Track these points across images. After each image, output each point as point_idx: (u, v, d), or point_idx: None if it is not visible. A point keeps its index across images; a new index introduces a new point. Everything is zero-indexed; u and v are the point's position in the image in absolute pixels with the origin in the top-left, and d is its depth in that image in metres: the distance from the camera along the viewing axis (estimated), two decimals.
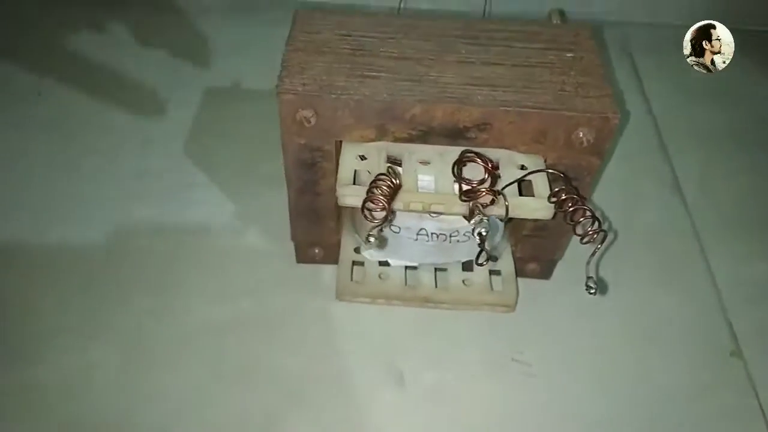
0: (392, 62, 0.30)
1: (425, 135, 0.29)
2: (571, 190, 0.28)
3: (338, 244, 0.36)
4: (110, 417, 0.31)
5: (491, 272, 0.35)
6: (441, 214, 0.30)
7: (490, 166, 0.27)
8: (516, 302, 0.35)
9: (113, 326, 0.34)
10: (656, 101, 0.50)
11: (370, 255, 0.35)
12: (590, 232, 0.27)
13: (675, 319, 0.37)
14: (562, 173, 0.29)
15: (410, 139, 0.30)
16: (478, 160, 0.28)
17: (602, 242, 0.27)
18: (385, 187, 0.26)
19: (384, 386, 0.33)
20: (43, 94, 0.46)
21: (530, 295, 0.36)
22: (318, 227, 0.35)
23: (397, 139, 0.30)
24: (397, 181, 0.27)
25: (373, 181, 0.27)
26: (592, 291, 0.28)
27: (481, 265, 0.28)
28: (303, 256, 0.37)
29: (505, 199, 0.28)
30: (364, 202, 0.27)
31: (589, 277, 0.29)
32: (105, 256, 0.37)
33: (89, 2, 0.54)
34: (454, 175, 0.28)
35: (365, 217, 0.27)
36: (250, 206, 0.40)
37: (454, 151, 0.29)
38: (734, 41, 0.55)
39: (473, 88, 0.29)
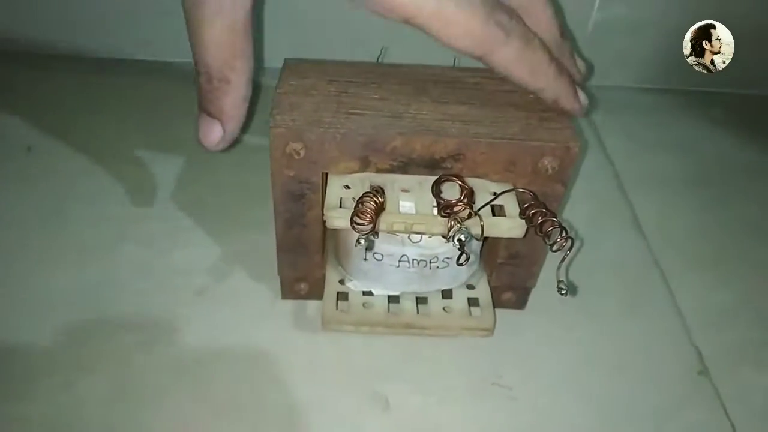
0: (374, 102, 0.33)
1: (405, 166, 0.32)
2: (540, 205, 0.30)
3: (323, 279, 0.37)
4: None
5: (469, 300, 0.37)
6: (422, 234, 0.32)
7: (466, 186, 0.30)
8: (494, 326, 0.36)
9: (101, 362, 0.35)
10: (612, 151, 0.53)
11: (354, 285, 0.37)
12: (559, 240, 0.29)
13: (643, 343, 0.38)
14: (531, 191, 0.31)
15: (391, 170, 0.32)
16: (455, 179, 0.30)
17: (570, 248, 0.30)
18: (371, 204, 0.28)
19: (370, 412, 0.34)
20: (33, 149, 0.48)
21: (506, 324, 0.38)
22: (304, 260, 0.36)
23: (379, 170, 0.32)
24: (381, 199, 0.29)
25: (360, 198, 0.29)
26: (563, 292, 0.31)
27: (461, 264, 0.30)
28: (288, 291, 0.38)
29: (481, 219, 0.30)
30: (353, 216, 0.29)
31: (560, 281, 0.31)
32: (93, 295, 0.38)
33: (76, 64, 0.57)
34: (433, 194, 0.30)
35: (354, 228, 0.29)
36: (235, 249, 0.42)
37: (432, 180, 0.32)
38: (681, 101, 0.60)
39: (448, 123, 0.32)
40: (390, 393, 0.35)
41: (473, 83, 0.35)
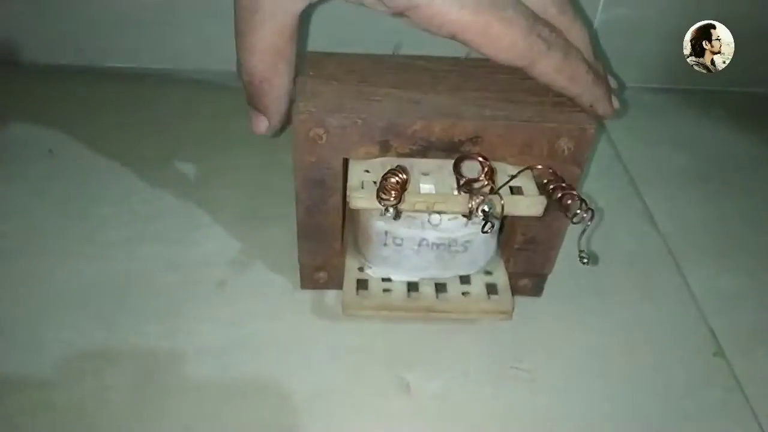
0: (393, 90, 0.34)
1: (425, 150, 0.33)
2: (558, 180, 0.31)
3: (341, 268, 0.38)
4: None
5: (487, 285, 0.37)
6: (443, 213, 0.33)
7: (487, 162, 0.31)
8: (512, 310, 0.37)
9: (126, 351, 0.36)
10: (623, 149, 0.54)
11: (374, 272, 0.37)
12: (579, 212, 0.30)
13: (659, 327, 0.39)
14: (549, 167, 0.32)
15: (411, 154, 0.33)
16: (476, 157, 0.31)
17: (591, 219, 0.30)
18: (395, 180, 0.29)
19: (391, 395, 0.34)
20: (54, 152, 0.49)
21: (524, 310, 0.39)
22: (323, 247, 0.37)
23: (399, 155, 0.33)
24: (405, 176, 0.30)
25: (384, 175, 0.30)
26: (585, 261, 0.31)
27: (486, 232, 0.30)
28: (308, 281, 0.39)
29: (501, 198, 0.31)
30: (379, 191, 0.29)
31: (581, 250, 0.32)
32: (117, 289, 0.39)
33: (93, 73, 0.59)
34: (454, 172, 0.31)
35: (380, 202, 0.30)
36: (253, 243, 0.43)
37: (451, 163, 0.33)
38: (684, 100, 0.61)
39: (465, 108, 0.33)
40: (410, 377, 0.35)
41: (488, 72, 0.36)
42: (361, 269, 0.38)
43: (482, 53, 0.31)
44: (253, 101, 0.36)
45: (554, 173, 0.32)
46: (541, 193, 0.32)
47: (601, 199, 0.48)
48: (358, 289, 0.37)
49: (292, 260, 0.38)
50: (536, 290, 0.40)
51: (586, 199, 0.30)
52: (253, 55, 0.33)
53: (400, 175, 0.30)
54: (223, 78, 0.59)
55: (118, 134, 0.52)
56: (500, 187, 0.31)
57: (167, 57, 0.60)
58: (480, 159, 0.31)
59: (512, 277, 0.38)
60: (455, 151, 0.33)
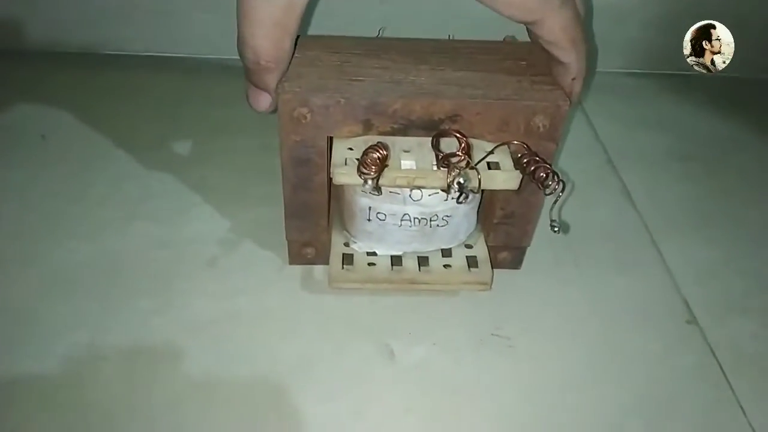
0: (375, 70, 0.35)
1: (405, 128, 0.34)
2: (532, 154, 0.32)
3: (328, 244, 0.39)
4: (117, 402, 0.33)
5: (468, 258, 0.39)
6: (423, 188, 0.35)
7: (464, 138, 0.32)
8: (492, 281, 0.38)
9: (119, 323, 0.37)
10: (601, 131, 0.56)
11: (359, 247, 0.39)
12: (551, 184, 0.32)
13: (634, 297, 0.41)
14: (524, 143, 0.33)
15: (393, 132, 0.34)
16: (454, 133, 0.32)
17: (562, 191, 0.32)
18: (375, 155, 0.31)
19: (376, 361, 0.36)
20: (47, 137, 0.50)
21: (503, 282, 0.40)
22: (310, 224, 0.38)
23: (380, 133, 0.34)
24: (384, 152, 0.31)
25: (365, 151, 0.31)
26: (556, 229, 0.33)
27: (460, 203, 0.32)
28: (296, 256, 0.40)
29: (478, 172, 0.32)
30: (359, 165, 0.31)
31: (552, 219, 0.33)
32: (111, 265, 0.40)
33: (83, 59, 0.60)
34: (432, 147, 0.32)
35: (360, 176, 0.31)
36: (242, 222, 0.44)
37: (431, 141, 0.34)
38: (664, 84, 0.62)
39: (445, 87, 0.34)
40: (395, 346, 0.37)
41: (468, 53, 0.37)
42: (346, 244, 0.39)
43: (490, 6, 0.32)
44: (254, 78, 0.35)
45: (529, 149, 0.33)
46: (516, 168, 0.33)
47: (579, 178, 0.49)
48: (343, 263, 0.38)
49: (281, 238, 0.39)
50: (515, 263, 0.41)
51: (558, 172, 0.32)
52: (261, 29, 0.32)
53: (381, 151, 0.31)
54: (214, 64, 0.60)
55: (111, 120, 0.53)
56: (477, 162, 0.33)
57: (159, 44, 0.61)
58: (457, 135, 0.32)
59: (492, 251, 0.40)
60: (435, 129, 0.34)
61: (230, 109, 0.52)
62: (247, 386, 0.34)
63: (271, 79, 0.34)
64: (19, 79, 0.57)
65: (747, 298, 0.41)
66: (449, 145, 0.33)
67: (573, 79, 0.35)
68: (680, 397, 0.35)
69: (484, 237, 0.40)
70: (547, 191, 0.32)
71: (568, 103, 0.34)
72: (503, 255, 0.40)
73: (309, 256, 0.40)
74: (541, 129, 0.34)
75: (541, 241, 0.42)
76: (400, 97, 0.33)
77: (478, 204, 0.39)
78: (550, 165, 0.32)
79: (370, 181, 0.31)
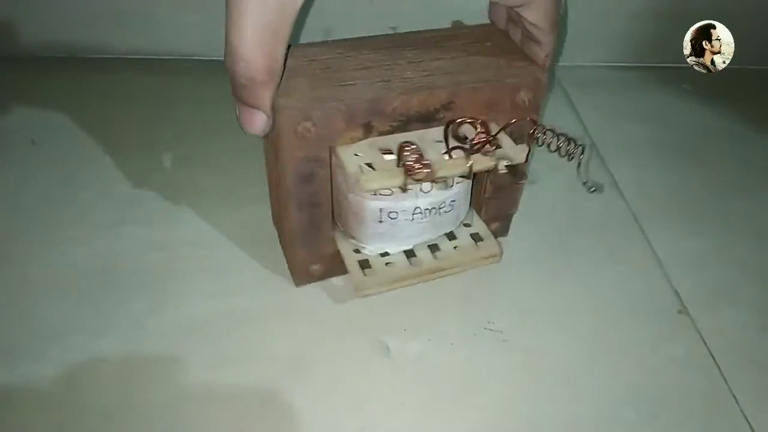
0: (359, 72, 0.35)
1: (404, 124, 0.34)
2: (542, 128, 0.33)
3: (335, 256, 0.39)
4: (115, 404, 0.33)
5: (472, 235, 0.40)
6: (469, 172, 0.34)
7: (477, 120, 0.33)
8: (501, 252, 0.40)
9: (114, 326, 0.37)
10: (590, 124, 0.56)
11: (370, 251, 0.39)
12: (570, 150, 0.33)
13: (625, 287, 0.41)
14: (532, 119, 0.34)
15: (392, 131, 0.35)
16: (469, 120, 0.33)
17: (582, 154, 0.33)
18: (416, 155, 0.31)
19: (372, 358, 0.36)
20: (37, 142, 0.50)
21: (495, 276, 0.41)
22: (318, 240, 0.38)
23: (381, 133, 0.34)
24: (415, 146, 0.32)
25: (400, 154, 0.32)
26: (593, 190, 0.34)
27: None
28: (303, 277, 0.39)
29: (500, 146, 0.34)
30: (409, 170, 0.31)
31: (584, 182, 0.37)
32: (104, 268, 0.40)
33: (71, 63, 0.59)
34: (453, 137, 0.34)
35: (417, 179, 0.32)
36: (234, 222, 0.44)
37: (430, 132, 0.35)
38: (652, 76, 0.63)
39: (434, 78, 0.35)
40: (390, 341, 0.37)
41: (434, 42, 0.38)
42: (357, 251, 0.39)
43: None
44: (246, 95, 0.31)
45: (536, 123, 0.34)
46: (532, 141, 0.34)
47: (568, 170, 0.49)
48: (363, 269, 0.38)
49: (271, 236, 0.40)
50: (504, 230, 0.43)
51: (573, 138, 0.33)
52: (252, 35, 0.29)
53: (416, 150, 0.32)
54: (201, 65, 0.60)
55: (100, 123, 0.53)
56: (494, 135, 0.33)
57: (146, 46, 0.61)
58: (468, 120, 0.34)
59: (485, 224, 0.41)
60: (433, 120, 0.35)
61: (218, 111, 0.52)
62: (243, 384, 0.34)
63: (267, 96, 0.31)
64: (8, 83, 0.57)
65: (737, 287, 0.41)
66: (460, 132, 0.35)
67: (546, 56, 0.36)
68: (672, 386, 0.36)
69: (477, 213, 0.41)
70: (570, 158, 0.33)
71: (546, 75, 0.36)
72: (495, 225, 0.42)
73: (317, 273, 0.39)
74: (526, 103, 0.36)
75: (532, 232, 0.42)
76: (399, 94, 0.33)
77: (470, 188, 0.40)
78: (564, 133, 0.33)
79: (416, 182, 0.32)
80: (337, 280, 0.40)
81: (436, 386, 0.35)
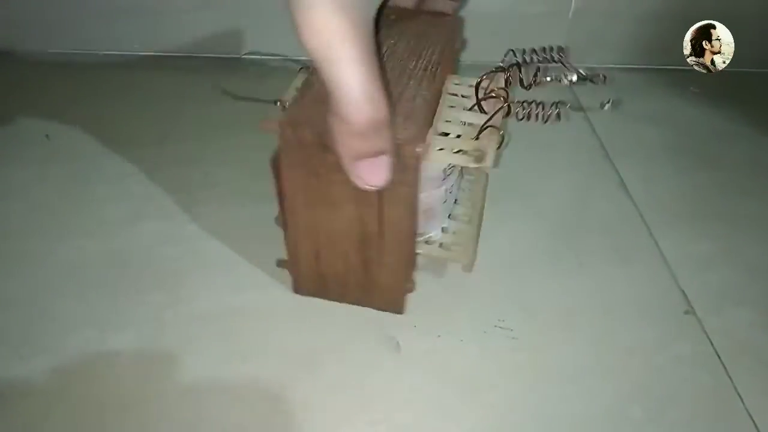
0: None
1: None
2: (518, 104, 0.33)
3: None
4: (130, 395, 0.34)
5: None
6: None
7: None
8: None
9: (131, 319, 0.38)
10: (598, 125, 0.57)
11: (436, 235, 0.40)
12: (546, 114, 0.33)
13: (633, 288, 0.41)
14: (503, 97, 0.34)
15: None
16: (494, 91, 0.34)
17: (558, 117, 0.34)
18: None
19: (383, 354, 0.37)
20: (51, 137, 0.51)
21: (506, 276, 0.41)
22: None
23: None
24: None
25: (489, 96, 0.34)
26: (606, 106, 0.34)
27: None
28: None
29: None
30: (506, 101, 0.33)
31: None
32: (119, 262, 0.41)
33: (86, 57, 0.60)
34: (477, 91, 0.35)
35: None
36: (248, 218, 0.44)
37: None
38: (659, 79, 0.63)
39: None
40: (400, 337, 0.37)
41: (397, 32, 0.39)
42: (427, 242, 0.40)
43: None
44: (369, 143, 0.26)
45: (504, 99, 0.34)
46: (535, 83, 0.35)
47: (577, 172, 0.50)
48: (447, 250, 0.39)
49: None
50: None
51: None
52: (366, 70, 0.24)
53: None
54: (216, 63, 0.60)
55: (113, 119, 0.53)
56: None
57: (159, 43, 0.61)
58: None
59: None
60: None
61: (231, 106, 0.52)
62: (257, 378, 0.35)
63: (388, 133, 0.26)
64: (22, 80, 0.58)
65: (743, 288, 0.42)
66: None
67: (454, 9, 0.39)
68: (679, 385, 0.36)
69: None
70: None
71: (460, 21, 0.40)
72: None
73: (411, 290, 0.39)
74: (459, 45, 0.40)
75: (542, 235, 0.43)
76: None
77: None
78: (536, 101, 0.34)
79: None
80: None
81: (445, 382, 0.35)
